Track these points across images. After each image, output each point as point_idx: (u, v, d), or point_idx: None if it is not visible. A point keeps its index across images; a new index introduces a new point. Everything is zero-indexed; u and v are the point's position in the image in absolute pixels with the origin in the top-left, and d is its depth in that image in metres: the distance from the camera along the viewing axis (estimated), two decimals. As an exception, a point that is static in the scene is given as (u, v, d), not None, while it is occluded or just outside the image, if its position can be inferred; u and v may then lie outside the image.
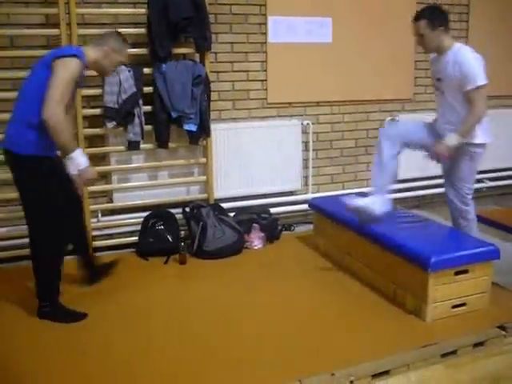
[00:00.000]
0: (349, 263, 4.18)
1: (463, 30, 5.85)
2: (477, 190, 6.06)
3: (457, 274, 3.44)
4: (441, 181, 5.77)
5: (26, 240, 3.63)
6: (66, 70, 3.16)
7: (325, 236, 4.12)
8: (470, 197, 4.03)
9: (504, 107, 6.15)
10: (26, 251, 3.73)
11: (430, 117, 5.65)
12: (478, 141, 3.82)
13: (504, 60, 6.02)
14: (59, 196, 3.40)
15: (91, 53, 3.40)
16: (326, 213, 4.48)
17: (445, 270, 3.39)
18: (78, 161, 3.24)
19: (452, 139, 3.74)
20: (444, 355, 3.08)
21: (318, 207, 4.65)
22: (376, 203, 3.83)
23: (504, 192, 6.31)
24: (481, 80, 3.63)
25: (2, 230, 4.40)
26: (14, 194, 3.91)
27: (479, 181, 6.08)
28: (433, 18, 3.69)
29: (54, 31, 4.23)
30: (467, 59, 3.66)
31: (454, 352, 3.10)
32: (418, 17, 3.75)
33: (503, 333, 3.26)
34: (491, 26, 5.95)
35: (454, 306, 3.47)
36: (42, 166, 3.29)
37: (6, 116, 4.09)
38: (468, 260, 3.47)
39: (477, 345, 3.18)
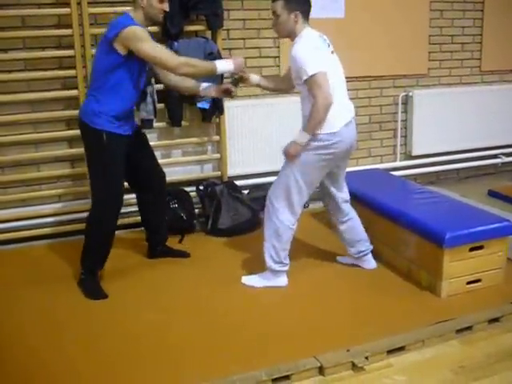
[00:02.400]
0: None
1: (479, 3, 5.75)
2: (492, 166, 6.05)
3: (472, 249, 3.43)
4: (456, 156, 5.79)
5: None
6: (141, 40, 3.30)
7: None
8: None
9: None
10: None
11: (444, 91, 5.67)
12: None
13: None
14: (115, 171, 3.50)
15: (135, 14, 3.44)
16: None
17: (460, 246, 3.38)
18: (225, 66, 3.53)
19: (300, 137, 3.39)
20: (459, 331, 3.07)
21: None
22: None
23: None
24: (312, 69, 3.25)
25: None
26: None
27: (495, 156, 6.04)
28: (291, 1, 3.38)
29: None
30: (297, 50, 3.35)
31: (469, 328, 3.10)
32: None
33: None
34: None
35: (469, 282, 3.45)
36: (102, 138, 3.41)
37: (23, 96, 4.20)
38: (483, 236, 3.45)
39: (492, 321, 3.17)
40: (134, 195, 4.02)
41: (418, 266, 3.60)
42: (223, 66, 3.52)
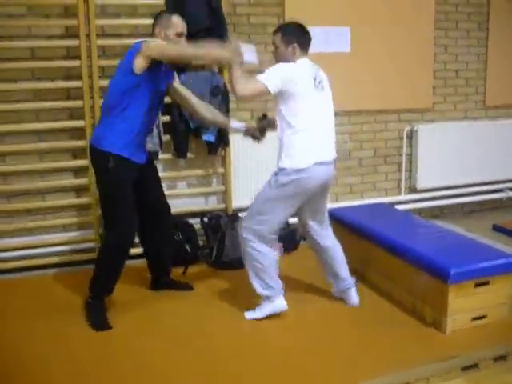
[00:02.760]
0: (367, 274, 4.15)
1: (483, 39, 5.81)
2: (497, 200, 6.04)
3: (477, 285, 3.41)
4: (460, 190, 5.79)
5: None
6: (153, 43, 3.42)
7: (343, 246, 4.10)
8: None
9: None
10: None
11: (449, 125, 5.69)
12: (282, 164, 3.47)
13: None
14: (124, 196, 3.48)
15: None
16: (344, 223, 4.45)
17: (465, 282, 3.36)
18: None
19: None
20: (464, 368, 3.04)
21: (336, 217, 4.62)
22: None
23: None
24: (265, 74, 3.34)
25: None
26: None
27: (499, 190, 6.04)
28: (288, 34, 3.50)
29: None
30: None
31: (474, 365, 3.07)
32: (277, 30, 3.59)
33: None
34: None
35: (474, 319, 3.43)
36: (108, 161, 3.41)
37: (30, 126, 4.24)
38: (488, 272, 3.43)
39: (498, 358, 3.14)
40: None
41: (422, 302, 3.58)
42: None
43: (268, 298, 3.57)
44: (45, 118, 4.36)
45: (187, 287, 4.07)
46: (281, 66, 3.42)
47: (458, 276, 3.32)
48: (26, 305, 3.84)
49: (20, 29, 4.23)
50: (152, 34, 3.56)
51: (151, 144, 4.43)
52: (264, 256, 3.52)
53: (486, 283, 3.43)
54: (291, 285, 4.05)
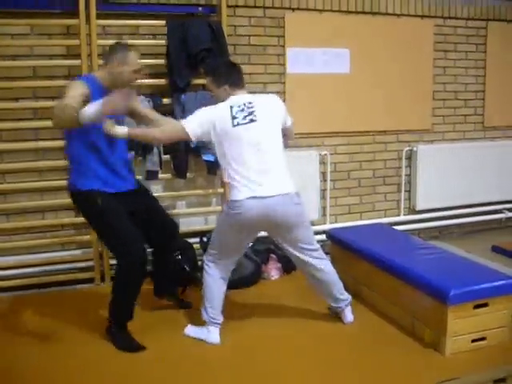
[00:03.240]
0: (366, 295, 4.15)
1: (481, 61, 5.85)
2: (496, 221, 6.05)
3: (476, 307, 3.40)
4: (459, 211, 5.80)
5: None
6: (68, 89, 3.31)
7: (342, 267, 4.10)
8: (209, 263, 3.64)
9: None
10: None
11: (448, 146, 5.71)
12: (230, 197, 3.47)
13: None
14: (117, 223, 3.45)
15: (99, 73, 3.52)
16: (344, 243, 4.46)
17: (464, 304, 3.35)
18: (89, 111, 3.06)
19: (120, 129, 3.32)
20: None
21: (335, 237, 4.63)
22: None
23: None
24: (187, 119, 3.47)
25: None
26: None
27: (498, 211, 6.05)
28: (217, 76, 3.54)
29: (76, 62, 4.30)
30: None
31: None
32: (205, 72, 3.65)
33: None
34: (509, 56, 5.94)
35: (474, 340, 3.41)
36: (88, 198, 3.44)
37: (30, 145, 4.26)
38: (488, 293, 3.42)
39: (497, 381, 3.12)
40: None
41: (421, 322, 3.57)
42: (87, 112, 3.06)
43: (207, 324, 3.60)
44: (45, 137, 4.37)
45: (186, 305, 4.07)
46: (201, 110, 3.51)
47: (458, 297, 3.31)
48: (25, 323, 3.82)
49: (22, 48, 4.26)
50: (104, 64, 3.54)
51: (150, 163, 4.45)
52: (211, 284, 3.61)
53: (485, 305, 3.42)
54: (287, 306, 4.07)
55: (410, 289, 3.65)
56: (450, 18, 5.64)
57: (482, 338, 3.43)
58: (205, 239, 4.62)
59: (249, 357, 3.39)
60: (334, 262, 4.00)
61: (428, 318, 3.51)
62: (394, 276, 3.82)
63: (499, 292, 3.46)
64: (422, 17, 5.51)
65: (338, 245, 4.58)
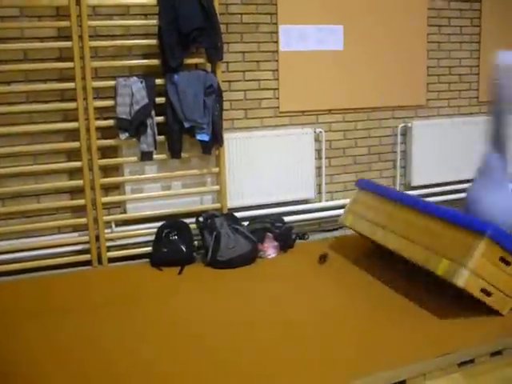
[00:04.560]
0: (380, 235, 4.20)
1: (475, 35, 5.82)
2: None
3: (501, 259, 3.44)
4: (455, 186, 5.79)
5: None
6: None
7: (359, 212, 4.28)
8: None
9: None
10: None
11: (443, 121, 5.70)
12: None
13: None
14: None
15: None
16: (370, 190, 4.60)
17: (496, 245, 3.40)
18: None
19: None
20: (461, 364, 3.05)
21: (362, 186, 4.74)
22: None
23: None
24: None
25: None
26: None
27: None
28: None
29: (67, 44, 4.26)
30: None
31: (471, 361, 3.08)
32: None
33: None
34: (504, 30, 5.92)
35: (483, 290, 3.40)
36: None
37: (24, 128, 4.24)
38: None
39: (494, 354, 3.14)
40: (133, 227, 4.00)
41: (440, 254, 3.58)
42: None
43: None
44: (38, 120, 4.35)
45: None
46: None
47: (495, 234, 3.37)
48: (21, 307, 3.82)
49: (12, 31, 4.22)
50: None
51: (145, 145, 4.44)
52: None
53: (508, 263, 3.45)
54: (292, 281, 4.09)
55: (439, 223, 3.73)
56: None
57: (489, 294, 3.43)
58: (201, 219, 4.63)
59: (249, 332, 3.40)
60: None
61: (452, 249, 3.53)
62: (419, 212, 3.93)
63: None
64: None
65: (364, 191, 4.67)
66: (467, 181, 5.83)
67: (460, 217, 3.65)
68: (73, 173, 4.48)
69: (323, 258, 4.40)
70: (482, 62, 5.90)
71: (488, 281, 3.42)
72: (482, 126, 5.85)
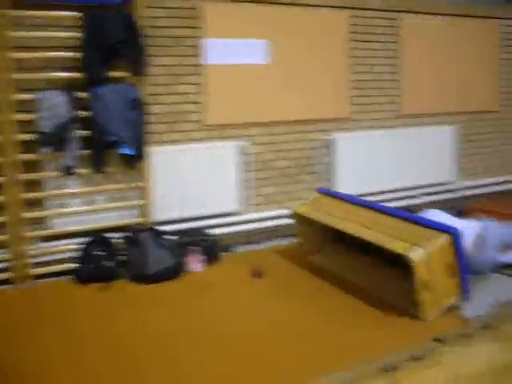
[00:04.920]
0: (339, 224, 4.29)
1: (394, 51, 6.00)
2: (412, 206, 6.22)
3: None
4: (381, 197, 5.92)
5: None
6: None
7: (317, 206, 4.51)
8: None
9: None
10: None
11: (366, 134, 5.84)
12: None
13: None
14: None
15: None
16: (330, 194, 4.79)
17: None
18: None
19: None
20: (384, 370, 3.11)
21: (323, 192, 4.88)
22: None
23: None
24: None
25: None
26: None
27: (413, 196, 6.23)
28: None
29: None
30: None
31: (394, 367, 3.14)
32: None
33: (440, 345, 3.32)
34: (422, 47, 6.13)
35: (426, 281, 3.50)
36: None
37: None
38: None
39: (415, 359, 3.22)
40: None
41: (401, 240, 3.76)
42: None
43: None
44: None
45: None
46: None
47: (455, 235, 3.66)
48: None
49: None
50: None
51: (67, 159, 4.37)
52: None
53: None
54: (219, 292, 4.11)
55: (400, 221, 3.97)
56: (364, 9, 5.77)
57: (428, 289, 3.57)
58: (125, 234, 4.58)
59: (181, 344, 3.38)
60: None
61: (410, 238, 3.73)
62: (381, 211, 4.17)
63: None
64: (338, 7, 5.62)
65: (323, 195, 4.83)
66: (389, 191, 6.01)
67: (424, 218, 3.94)
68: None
69: (257, 274, 4.40)
70: (402, 77, 6.09)
71: (433, 276, 3.59)
72: (403, 138, 6.07)
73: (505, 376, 3.04)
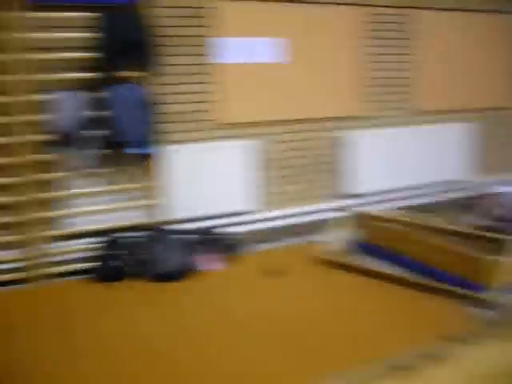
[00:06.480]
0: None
1: (414, 48, 5.96)
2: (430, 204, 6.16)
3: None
4: (396, 195, 5.88)
5: None
6: None
7: None
8: None
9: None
10: None
11: (382, 132, 5.80)
12: None
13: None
14: None
15: None
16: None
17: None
18: None
19: None
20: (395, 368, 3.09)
21: None
22: None
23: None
24: None
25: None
26: None
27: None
28: None
29: (2, 56, 4.19)
30: None
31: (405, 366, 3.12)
32: None
33: (454, 344, 3.28)
34: (439, 44, 6.09)
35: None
36: None
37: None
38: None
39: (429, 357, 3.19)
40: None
41: None
42: None
43: None
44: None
45: None
46: None
47: None
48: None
49: None
50: None
51: (83, 158, 4.40)
52: None
53: None
54: (234, 291, 4.07)
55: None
56: (379, 6, 5.75)
57: None
58: (139, 233, 4.59)
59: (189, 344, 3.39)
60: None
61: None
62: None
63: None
64: (356, 5, 5.60)
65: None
66: (405, 188, 5.98)
67: None
68: (6, 188, 4.38)
69: (275, 273, 4.38)
70: (421, 74, 6.07)
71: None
72: (421, 135, 6.03)
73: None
